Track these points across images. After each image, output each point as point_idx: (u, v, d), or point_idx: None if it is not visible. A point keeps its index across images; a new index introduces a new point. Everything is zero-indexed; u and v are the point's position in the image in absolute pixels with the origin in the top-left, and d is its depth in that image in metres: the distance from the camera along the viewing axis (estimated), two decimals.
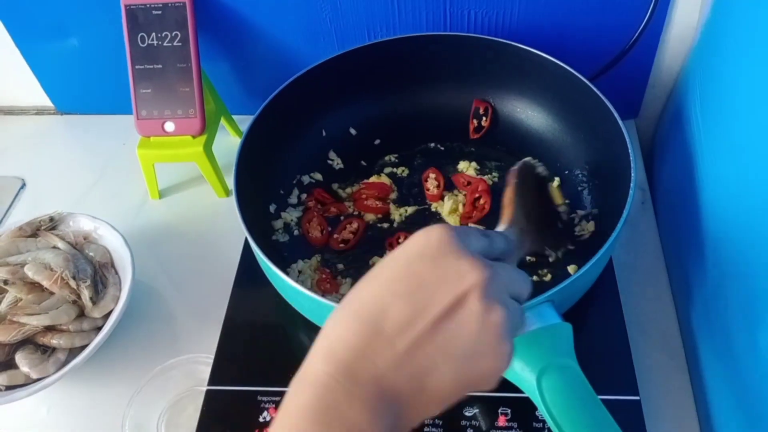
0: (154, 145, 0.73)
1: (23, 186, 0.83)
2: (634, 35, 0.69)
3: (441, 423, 0.54)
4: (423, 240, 0.36)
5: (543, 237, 0.53)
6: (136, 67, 0.71)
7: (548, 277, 0.61)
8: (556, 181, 0.67)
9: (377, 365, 0.33)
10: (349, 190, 0.71)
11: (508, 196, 0.49)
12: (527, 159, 0.54)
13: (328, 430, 0.32)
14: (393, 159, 0.73)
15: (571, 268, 0.61)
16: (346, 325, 0.34)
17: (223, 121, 0.80)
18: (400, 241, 0.64)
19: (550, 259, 0.61)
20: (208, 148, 0.73)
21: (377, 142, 0.75)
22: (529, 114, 0.72)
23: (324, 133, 0.74)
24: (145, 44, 0.70)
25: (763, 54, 0.48)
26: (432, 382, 0.34)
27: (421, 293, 0.34)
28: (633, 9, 0.68)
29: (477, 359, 0.34)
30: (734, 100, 0.53)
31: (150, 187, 0.77)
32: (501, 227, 0.47)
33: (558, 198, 0.62)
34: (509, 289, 0.37)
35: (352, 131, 0.75)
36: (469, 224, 0.66)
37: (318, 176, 0.72)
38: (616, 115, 0.60)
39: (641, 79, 0.76)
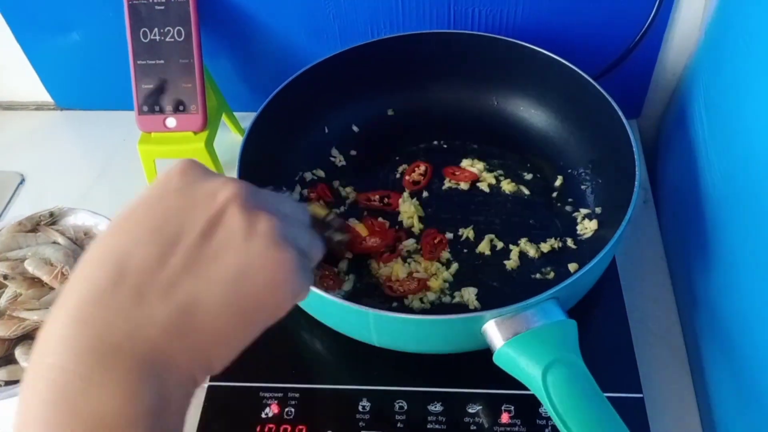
0: (155, 140, 0.72)
1: (22, 181, 0.82)
2: (638, 34, 0.69)
3: (444, 420, 0.54)
4: (164, 176, 0.32)
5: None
6: (138, 62, 0.70)
7: (551, 275, 0.61)
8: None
9: (121, 329, 0.27)
10: (349, 188, 0.70)
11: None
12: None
13: None
14: (396, 157, 0.73)
15: (571, 266, 0.61)
16: (80, 285, 0.28)
17: (224, 118, 0.80)
18: (437, 241, 0.64)
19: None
20: (209, 144, 0.73)
21: (380, 139, 0.74)
22: (533, 112, 0.72)
23: (327, 130, 0.73)
24: (147, 39, 0.70)
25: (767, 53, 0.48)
26: (202, 318, 0.28)
27: (167, 228, 0.29)
28: (637, 8, 0.68)
29: (250, 277, 0.30)
30: (739, 100, 0.53)
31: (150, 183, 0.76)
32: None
33: (321, 212, 0.61)
34: (293, 232, 0.33)
35: (355, 128, 0.75)
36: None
37: (320, 173, 0.71)
38: (620, 113, 0.60)
39: (644, 78, 0.76)
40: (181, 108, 0.71)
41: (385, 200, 0.69)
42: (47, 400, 0.26)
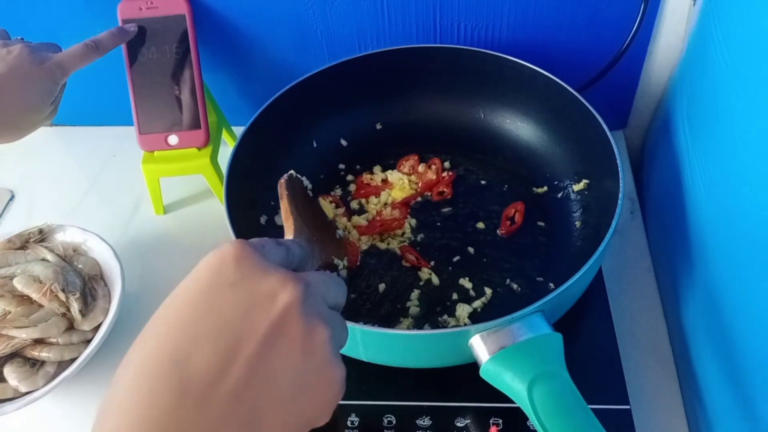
0: (159, 159, 0.72)
1: (12, 198, 0.82)
2: (621, 47, 0.70)
3: None
4: (216, 263, 0.30)
5: (327, 246, 0.51)
6: (137, 81, 0.70)
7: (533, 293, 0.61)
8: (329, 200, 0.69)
9: None
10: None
11: (285, 207, 0.47)
12: (292, 172, 0.52)
13: None
14: (380, 171, 0.74)
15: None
16: (138, 395, 0.27)
17: (223, 134, 0.80)
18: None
19: (340, 268, 0.57)
20: (214, 159, 0.73)
21: (367, 153, 0.75)
22: (519, 125, 0.73)
23: (315, 144, 0.74)
24: (145, 58, 0.70)
25: (748, 65, 0.48)
26: None
27: (227, 332, 0.28)
28: (620, 21, 0.69)
29: (307, 394, 0.29)
30: (720, 110, 0.53)
31: (155, 203, 0.76)
32: (289, 237, 0.44)
33: (330, 212, 0.61)
34: (327, 299, 0.33)
35: (343, 142, 0.75)
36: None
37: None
38: (604, 125, 0.60)
39: (629, 90, 0.77)
40: (182, 125, 0.71)
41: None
42: None
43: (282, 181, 0.50)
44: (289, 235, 0.45)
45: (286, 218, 0.46)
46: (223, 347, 0.27)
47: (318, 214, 0.56)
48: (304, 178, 0.55)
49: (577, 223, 0.65)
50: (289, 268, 0.33)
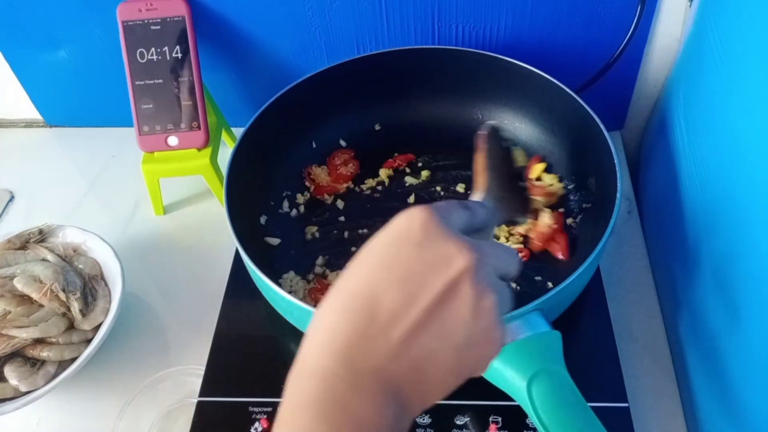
0: (159, 160, 0.72)
1: (12, 199, 0.82)
2: (618, 48, 0.70)
3: None
4: (406, 223, 0.35)
5: (513, 203, 0.50)
6: (136, 82, 0.70)
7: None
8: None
9: (376, 356, 0.32)
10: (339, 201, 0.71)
11: (480, 163, 0.48)
12: (494, 123, 0.51)
13: (335, 424, 0.31)
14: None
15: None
16: (338, 316, 0.33)
17: (222, 134, 0.80)
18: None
19: (520, 223, 0.62)
20: (214, 160, 0.74)
21: (366, 153, 0.75)
22: (517, 126, 0.73)
23: (314, 145, 0.74)
24: (145, 60, 0.70)
25: (744, 66, 0.49)
26: (431, 372, 0.33)
27: (412, 281, 0.33)
28: (618, 22, 0.69)
29: (472, 347, 0.34)
30: (717, 111, 0.54)
31: (154, 203, 0.76)
32: (477, 196, 0.45)
33: (522, 159, 0.59)
34: (497, 269, 0.36)
35: (342, 143, 0.75)
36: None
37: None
38: (601, 126, 0.61)
39: (626, 90, 0.78)
40: (182, 126, 0.71)
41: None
42: (315, 396, 0.31)
43: (482, 133, 0.49)
44: (478, 191, 0.46)
45: (479, 173, 0.47)
46: (407, 292, 0.33)
47: (510, 164, 0.54)
48: (503, 128, 0.54)
49: (575, 223, 0.66)
50: (471, 230, 0.38)
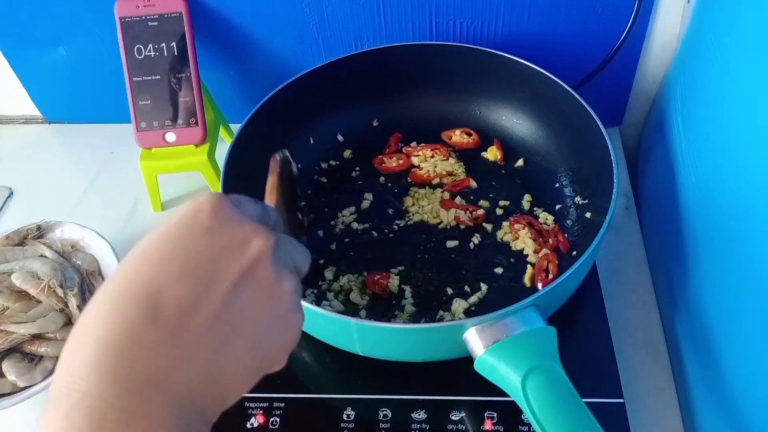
0: (157, 156, 0.72)
1: (10, 195, 0.82)
2: (616, 44, 0.70)
3: (428, 427, 0.54)
4: (193, 210, 0.31)
5: (293, 224, 0.51)
6: (134, 79, 0.70)
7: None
8: None
9: (159, 366, 0.27)
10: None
11: (272, 182, 0.48)
12: (286, 153, 0.52)
13: None
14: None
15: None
16: (107, 323, 0.27)
17: (220, 131, 0.80)
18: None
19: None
20: (211, 156, 0.74)
21: (365, 149, 0.75)
22: (515, 122, 0.73)
23: (312, 141, 0.74)
24: (142, 56, 0.70)
25: (741, 62, 0.49)
26: (228, 370, 0.29)
27: (201, 270, 0.29)
28: (616, 18, 0.69)
29: (271, 333, 0.31)
30: (714, 108, 0.54)
31: (153, 200, 0.76)
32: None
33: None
34: (294, 260, 0.35)
35: (340, 138, 0.75)
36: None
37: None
38: (599, 122, 0.61)
39: (624, 87, 0.77)
40: (180, 122, 0.71)
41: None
42: (80, 427, 0.26)
43: (277, 157, 0.51)
44: (268, 203, 0.47)
45: (270, 191, 0.48)
46: (197, 283, 0.29)
47: (294, 190, 0.57)
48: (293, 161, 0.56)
49: (572, 219, 0.66)
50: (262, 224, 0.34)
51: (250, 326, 0.30)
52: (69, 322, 0.62)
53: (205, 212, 0.31)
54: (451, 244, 0.65)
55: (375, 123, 0.76)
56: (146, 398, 0.26)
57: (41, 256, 0.67)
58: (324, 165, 0.74)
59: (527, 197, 0.69)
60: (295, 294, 0.33)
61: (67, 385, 0.26)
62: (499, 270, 0.63)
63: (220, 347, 0.29)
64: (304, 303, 0.49)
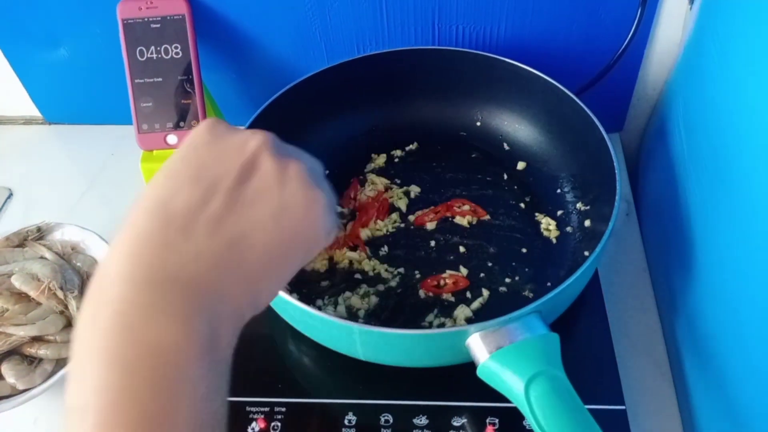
0: (158, 158, 0.72)
1: (10, 196, 0.82)
2: (618, 50, 0.70)
3: None
4: (192, 134, 0.35)
5: None
6: (136, 81, 0.70)
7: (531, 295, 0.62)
8: None
9: (173, 261, 0.30)
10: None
11: None
12: None
13: (128, 365, 0.27)
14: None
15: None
16: (135, 228, 0.31)
17: None
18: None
19: None
20: None
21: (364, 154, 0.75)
22: (516, 127, 0.73)
23: (313, 145, 0.74)
24: (144, 58, 0.70)
25: (743, 70, 0.49)
26: (248, 254, 0.31)
27: (204, 175, 0.33)
28: (618, 25, 0.69)
29: (287, 212, 0.33)
30: (716, 115, 0.54)
31: None
32: None
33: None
34: (295, 153, 0.37)
35: (341, 143, 0.75)
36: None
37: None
38: (601, 128, 0.61)
39: (626, 93, 0.78)
40: (181, 124, 0.71)
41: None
42: (108, 329, 0.28)
43: None
44: None
45: None
46: (202, 186, 0.32)
47: None
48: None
49: (573, 225, 0.66)
50: None
51: (261, 213, 0.32)
52: (69, 325, 0.62)
53: (202, 132, 0.35)
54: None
55: (376, 128, 0.76)
56: (166, 292, 0.29)
57: (41, 257, 0.66)
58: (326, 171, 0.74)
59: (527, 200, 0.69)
60: (305, 173, 0.34)
61: (96, 296, 0.29)
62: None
63: (233, 236, 0.31)
64: (306, 308, 0.50)
